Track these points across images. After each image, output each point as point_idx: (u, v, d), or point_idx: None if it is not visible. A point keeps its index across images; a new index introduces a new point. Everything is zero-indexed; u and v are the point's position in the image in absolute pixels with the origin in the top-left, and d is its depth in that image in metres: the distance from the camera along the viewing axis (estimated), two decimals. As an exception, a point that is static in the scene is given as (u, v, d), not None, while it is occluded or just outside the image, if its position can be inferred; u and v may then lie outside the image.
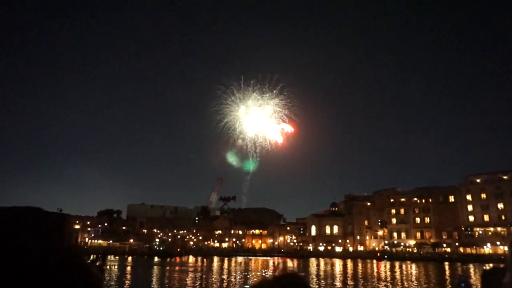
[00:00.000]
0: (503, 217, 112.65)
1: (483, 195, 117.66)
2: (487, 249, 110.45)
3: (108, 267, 70.55)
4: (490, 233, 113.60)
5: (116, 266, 78.23)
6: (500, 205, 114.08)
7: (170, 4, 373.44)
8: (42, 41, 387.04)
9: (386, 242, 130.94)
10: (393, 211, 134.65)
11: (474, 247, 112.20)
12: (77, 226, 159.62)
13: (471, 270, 77.85)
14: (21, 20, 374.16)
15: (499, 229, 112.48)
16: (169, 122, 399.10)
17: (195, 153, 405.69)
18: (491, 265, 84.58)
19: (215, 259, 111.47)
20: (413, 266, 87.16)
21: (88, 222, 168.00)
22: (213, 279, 56.08)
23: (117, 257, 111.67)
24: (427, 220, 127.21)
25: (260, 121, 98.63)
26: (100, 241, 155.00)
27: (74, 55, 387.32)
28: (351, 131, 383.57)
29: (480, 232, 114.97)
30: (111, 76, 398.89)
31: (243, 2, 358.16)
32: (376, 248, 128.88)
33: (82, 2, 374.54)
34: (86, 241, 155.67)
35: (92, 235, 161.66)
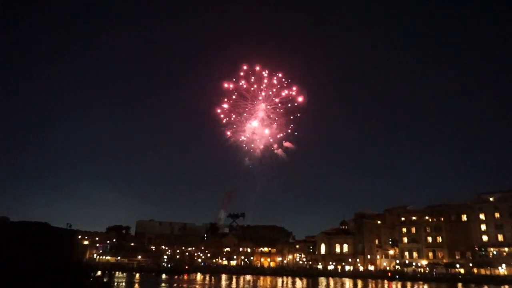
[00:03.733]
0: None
1: (497, 214, 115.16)
2: (502, 270, 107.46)
3: (115, 283, 70.10)
4: (505, 253, 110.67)
5: (123, 283, 77.74)
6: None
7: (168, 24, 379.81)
8: (54, 55, 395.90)
9: (398, 261, 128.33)
10: (404, 229, 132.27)
11: (489, 267, 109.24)
12: (86, 242, 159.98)
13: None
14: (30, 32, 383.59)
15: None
16: (179, 139, 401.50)
17: (204, 171, 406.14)
18: (506, 287, 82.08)
19: (223, 277, 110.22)
20: (426, 287, 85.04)
21: (97, 238, 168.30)
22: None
23: (124, 274, 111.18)
24: (439, 239, 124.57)
25: (267, 139, 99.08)
26: (108, 257, 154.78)
27: (86, 69, 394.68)
28: (362, 148, 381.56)
29: (495, 252, 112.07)
30: (120, 92, 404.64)
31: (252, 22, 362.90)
32: (387, 268, 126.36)
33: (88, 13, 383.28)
34: (95, 257, 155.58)
35: (101, 251, 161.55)
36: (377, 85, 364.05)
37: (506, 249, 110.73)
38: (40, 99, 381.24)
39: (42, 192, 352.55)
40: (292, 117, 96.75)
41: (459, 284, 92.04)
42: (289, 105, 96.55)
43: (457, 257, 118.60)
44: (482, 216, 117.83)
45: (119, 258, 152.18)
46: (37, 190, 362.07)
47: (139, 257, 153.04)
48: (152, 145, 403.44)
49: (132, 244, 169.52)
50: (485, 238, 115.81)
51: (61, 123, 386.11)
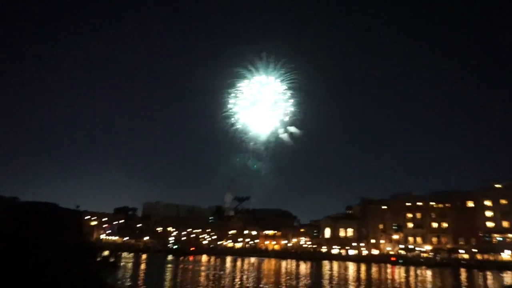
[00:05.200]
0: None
1: (503, 201, 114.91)
2: (506, 256, 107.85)
3: (122, 263, 71.50)
4: (508, 239, 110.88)
5: (130, 263, 79.28)
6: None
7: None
8: (58, 40, 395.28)
9: (402, 246, 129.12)
10: (409, 215, 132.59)
11: (492, 253, 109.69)
12: (93, 223, 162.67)
13: (489, 277, 76.18)
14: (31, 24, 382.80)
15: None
16: (185, 122, 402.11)
17: (211, 154, 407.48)
18: (509, 272, 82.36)
19: (228, 258, 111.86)
20: (429, 271, 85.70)
21: (104, 219, 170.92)
22: (226, 280, 56.28)
23: (131, 254, 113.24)
24: (444, 225, 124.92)
25: (272, 124, 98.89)
26: (115, 238, 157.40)
27: (89, 54, 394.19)
28: (368, 134, 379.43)
29: (499, 238, 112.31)
30: (129, 76, 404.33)
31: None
32: (391, 252, 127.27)
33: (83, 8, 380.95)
34: (102, 237, 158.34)
35: (108, 231, 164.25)
36: (384, 71, 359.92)
37: (511, 235, 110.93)
38: (48, 80, 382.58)
39: (51, 173, 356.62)
40: (298, 102, 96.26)
41: (462, 270, 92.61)
42: (295, 90, 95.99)
43: (461, 243, 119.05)
44: (488, 203, 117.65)
45: (126, 238, 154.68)
46: (46, 171, 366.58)
47: (146, 238, 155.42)
48: (160, 127, 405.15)
49: (139, 225, 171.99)
50: (490, 224, 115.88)
51: (69, 105, 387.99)
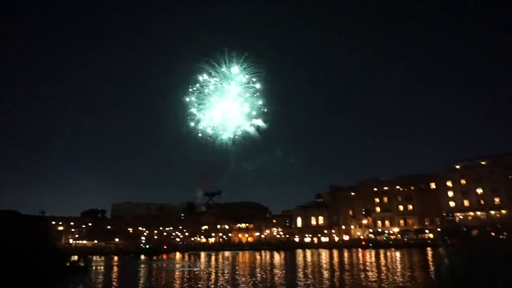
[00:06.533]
0: (482, 202, 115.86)
1: (463, 181, 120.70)
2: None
3: (93, 267, 69.62)
4: (470, 217, 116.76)
5: (101, 266, 77.33)
6: (479, 190, 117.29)
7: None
8: (28, 41, 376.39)
9: (371, 230, 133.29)
10: (377, 199, 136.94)
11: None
12: (60, 228, 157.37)
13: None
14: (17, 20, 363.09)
15: (478, 213, 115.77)
16: (151, 120, 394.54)
17: (178, 150, 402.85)
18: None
19: (202, 254, 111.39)
20: (398, 253, 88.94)
21: (72, 223, 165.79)
22: (202, 275, 56.05)
23: (102, 257, 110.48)
24: (410, 207, 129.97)
25: (237, 118, 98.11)
26: (84, 242, 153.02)
27: (56, 55, 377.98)
28: (334, 122, 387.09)
29: (461, 217, 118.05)
30: (93, 75, 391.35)
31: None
32: (361, 237, 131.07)
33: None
34: (70, 242, 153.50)
35: (77, 235, 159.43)
36: (347, 60, 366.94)
37: (471, 213, 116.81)
38: (8, 87, 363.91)
39: (13, 179, 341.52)
40: (262, 95, 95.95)
41: (428, 249, 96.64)
42: (259, 84, 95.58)
43: (426, 223, 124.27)
44: (449, 184, 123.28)
45: (96, 242, 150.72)
46: (7, 178, 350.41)
47: (117, 239, 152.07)
48: (124, 127, 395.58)
49: (109, 227, 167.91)
50: (452, 204, 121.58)
51: (29, 107, 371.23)
